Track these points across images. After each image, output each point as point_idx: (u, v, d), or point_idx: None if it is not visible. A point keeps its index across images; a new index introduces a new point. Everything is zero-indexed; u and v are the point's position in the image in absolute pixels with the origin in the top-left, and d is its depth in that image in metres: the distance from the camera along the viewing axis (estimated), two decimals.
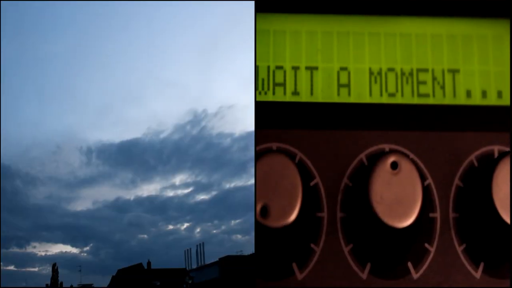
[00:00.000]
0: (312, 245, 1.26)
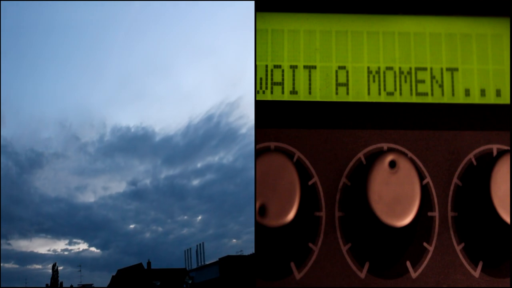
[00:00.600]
0: (310, 245, 1.25)
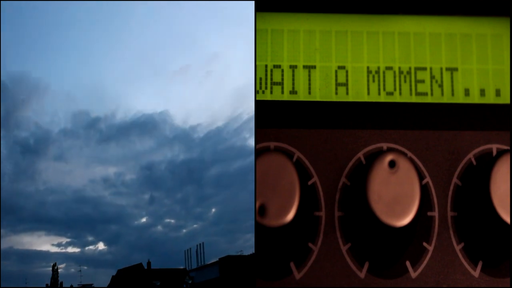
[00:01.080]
0: (310, 244, 1.25)
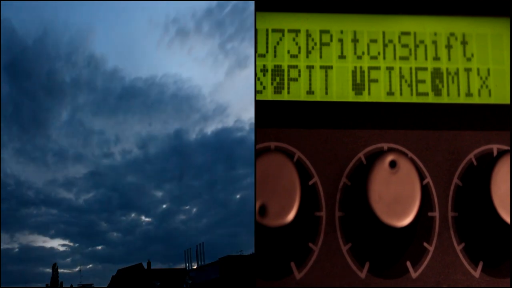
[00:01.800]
0: (311, 244, 1.25)
